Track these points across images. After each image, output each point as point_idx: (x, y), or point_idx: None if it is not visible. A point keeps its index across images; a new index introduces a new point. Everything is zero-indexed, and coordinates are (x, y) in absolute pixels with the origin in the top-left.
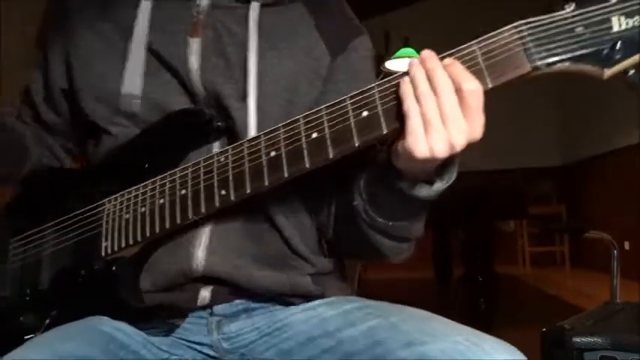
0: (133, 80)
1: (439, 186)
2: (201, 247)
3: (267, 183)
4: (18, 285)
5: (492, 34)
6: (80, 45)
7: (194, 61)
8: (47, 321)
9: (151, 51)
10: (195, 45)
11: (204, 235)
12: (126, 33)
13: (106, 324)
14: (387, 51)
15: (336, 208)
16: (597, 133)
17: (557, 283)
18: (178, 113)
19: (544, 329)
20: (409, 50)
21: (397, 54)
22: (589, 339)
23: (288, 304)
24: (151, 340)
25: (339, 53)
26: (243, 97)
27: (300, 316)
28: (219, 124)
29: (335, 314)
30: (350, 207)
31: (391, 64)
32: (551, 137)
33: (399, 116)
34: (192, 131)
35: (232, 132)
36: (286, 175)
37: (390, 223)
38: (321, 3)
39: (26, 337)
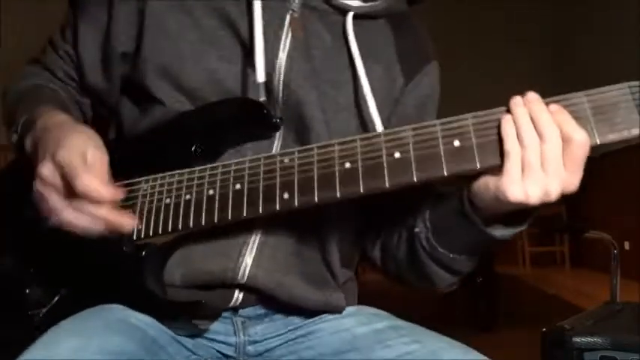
0: (261, 73)
1: (515, 229)
2: (250, 259)
3: (338, 195)
4: (29, 254)
5: (601, 89)
6: (160, 15)
7: (282, 60)
8: (56, 298)
9: (238, 37)
10: (284, 42)
11: (254, 247)
12: (226, 22)
13: (133, 316)
14: None
15: (391, 232)
16: None
17: (557, 283)
18: (236, 101)
19: (544, 329)
20: None
21: None
22: (589, 339)
23: (312, 315)
24: (177, 338)
25: (412, 78)
26: (324, 108)
27: (326, 326)
28: (277, 121)
29: (367, 331)
30: (409, 232)
31: None
32: None
33: (495, 153)
34: (247, 123)
35: (300, 139)
36: (362, 190)
37: (451, 256)
38: (403, 22)
39: (30, 312)
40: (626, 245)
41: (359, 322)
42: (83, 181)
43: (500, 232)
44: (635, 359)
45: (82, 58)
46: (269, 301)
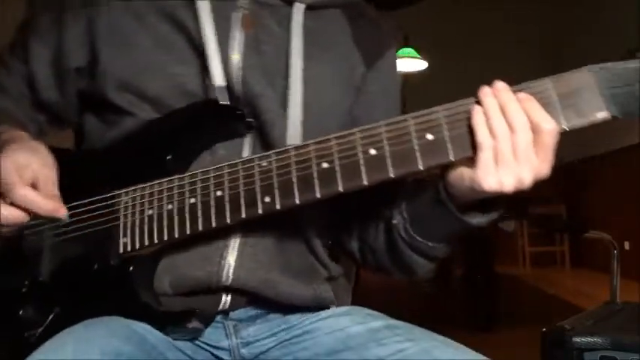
0: (218, 73)
1: (491, 216)
2: (232, 260)
3: (319, 195)
4: (17, 274)
5: (566, 73)
6: (114, 25)
7: (235, 57)
8: (50, 317)
9: (190, 40)
10: (237, 39)
11: (235, 248)
12: (178, 26)
13: (133, 323)
14: None
15: (367, 223)
16: (597, 133)
17: (557, 283)
18: (205, 103)
19: (544, 329)
20: (409, 50)
21: (397, 54)
22: (589, 339)
23: (303, 312)
24: (175, 344)
25: (372, 64)
26: (282, 101)
27: (321, 325)
28: (250, 120)
29: (361, 330)
30: (386, 224)
31: None
32: None
33: (467, 145)
34: (219, 125)
35: (264, 135)
36: (341, 189)
37: (430, 244)
38: (359, 12)
39: (26, 333)
40: (626, 245)
41: (354, 322)
42: (19, 192)
43: (477, 219)
44: (635, 359)
45: (34, 75)
46: (258, 301)
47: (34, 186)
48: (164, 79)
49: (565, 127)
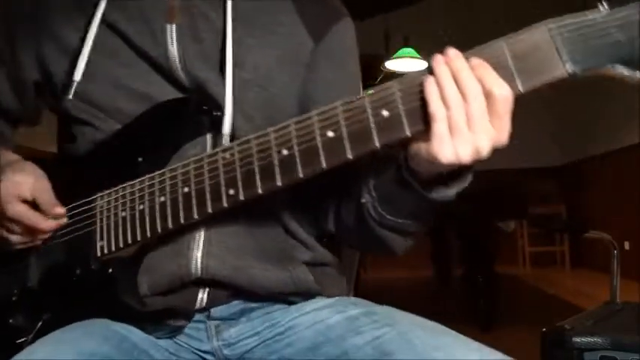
0: (78, 69)
1: (455, 189)
2: (198, 251)
3: (280, 183)
4: (4, 284)
5: (521, 32)
6: (58, 37)
7: (173, 49)
8: (39, 324)
9: (126, 41)
10: (172, 32)
11: (201, 237)
12: (115, 31)
13: (115, 324)
14: (387, 51)
15: (338, 202)
16: (597, 132)
17: (557, 283)
18: (169, 103)
19: (544, 329)
20: (409, 50)
21: (397, 54)
22: (589, 339)
23: (288, 302)
24: (159, 343)
25: (320, 38)
26: (237, 83)
27: (303, 320)
28: (218, 114)
29: (340, 320)
30: (357, 203)
31: (391, 64)
32: (551, 137)
33: (422, 118)
34: (187, 122)
35: (220, 120)
36: (301, 175)
37: (400, 221)
38: None
39: (17, 340)
40: (626, 245)
41: (334, 312)
42: (15, 208)
43: (441, 193)
44: (635, 359)
45: None
46: (239, 294)
47: (33, 198)
48: (111, 85)
49: (520, 90)
